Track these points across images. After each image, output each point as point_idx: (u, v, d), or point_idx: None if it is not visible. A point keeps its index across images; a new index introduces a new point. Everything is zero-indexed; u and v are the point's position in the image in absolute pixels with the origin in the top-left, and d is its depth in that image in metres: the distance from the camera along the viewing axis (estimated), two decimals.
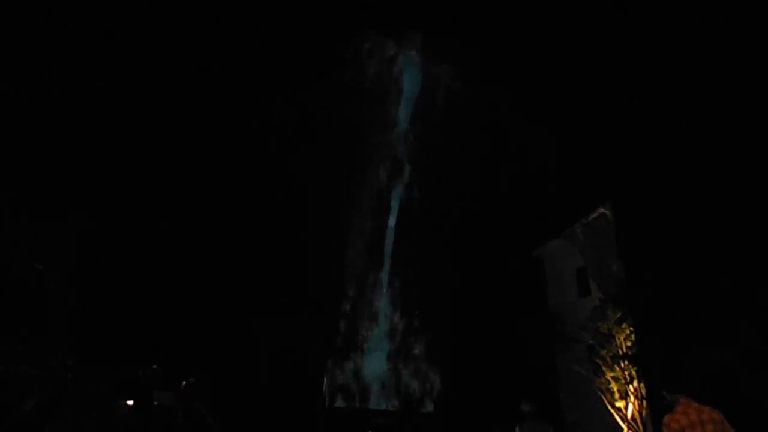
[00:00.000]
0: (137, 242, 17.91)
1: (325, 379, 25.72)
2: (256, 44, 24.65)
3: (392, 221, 33.53)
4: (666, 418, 4.41)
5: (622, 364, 13.57)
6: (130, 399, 5.81)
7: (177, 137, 19.98)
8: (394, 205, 33.66)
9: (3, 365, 4.85)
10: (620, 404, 13.76)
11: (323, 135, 26.77)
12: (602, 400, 14.15)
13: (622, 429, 13.82)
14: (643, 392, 13.33)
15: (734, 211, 11.90)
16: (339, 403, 27.07)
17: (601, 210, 16.58)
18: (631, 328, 13.57)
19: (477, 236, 29.68)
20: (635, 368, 13.39)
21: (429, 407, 27.51)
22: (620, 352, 13.64)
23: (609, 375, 13.79)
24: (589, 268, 17.39)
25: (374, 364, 29.75)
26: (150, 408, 5.90)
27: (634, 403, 13.51)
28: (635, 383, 13.47)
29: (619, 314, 13.76)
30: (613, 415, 13.96)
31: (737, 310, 11.41)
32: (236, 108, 22.86)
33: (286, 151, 24.60)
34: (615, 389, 13.77)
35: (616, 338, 13.74)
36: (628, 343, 13.64)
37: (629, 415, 13.55)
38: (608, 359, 13.78)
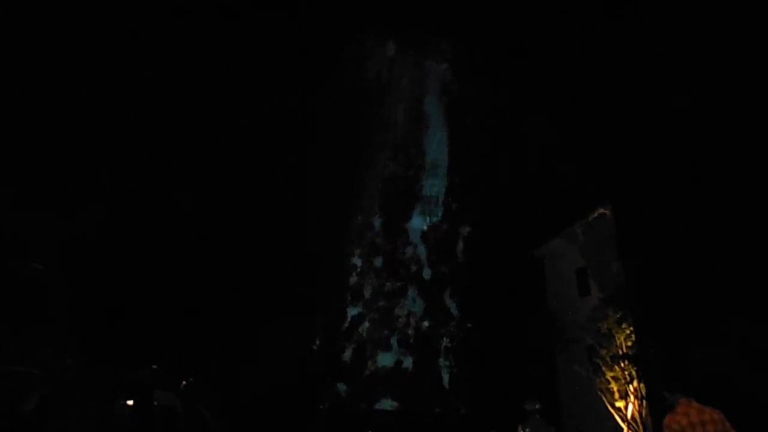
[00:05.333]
0: (138, 242, 17.91)
1: (325, 379, 25.72)
2: (255, 44, 24.65)
3: (393, 221, 33.53)
4: (667, 418, 4.42)
5: (622, 364, 13.58)
6: (130, 399, 5.79)
7: (177, 138, 19.97)
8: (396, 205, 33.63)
9: (3, 365, 4.84)
10: (620, 404, 13.77)
11: (324, 135, 26.77)
12: (602, 400, 14.16)
13: (622, 429, 13.82)
14: (643, 392, 13.34)
15: (734, 211, 11.90)
16: (340, 402, 27.05)
17: (601, 210, 16.59)
18: (631, 328, 13.58)
19: (477, 236, 29.70)
20: (635, 368, 13.39)
21: (430, 407, 27.49)
22: (620, 352, 13.65)
23: (609, 375, 13.80)
24: (589, 268, 17.41)
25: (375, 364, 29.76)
26: (150, 408, 5.88)
27: (634, 403, 13.51)
28: (635, 383, 13.48)
29: (619, 314, 13.77)
30: (613, 415, 13.96)
31: (737, 310, 11.40)
32: (235, 108, 22.86)
33: (287, 151, 24.60)
34: (615, 389, 13.78)
35: (616, 338, 13.75)
36: (628, 343, 13.65)
37: (629, 415, 13.56)
38: (608, 359, 13.79)
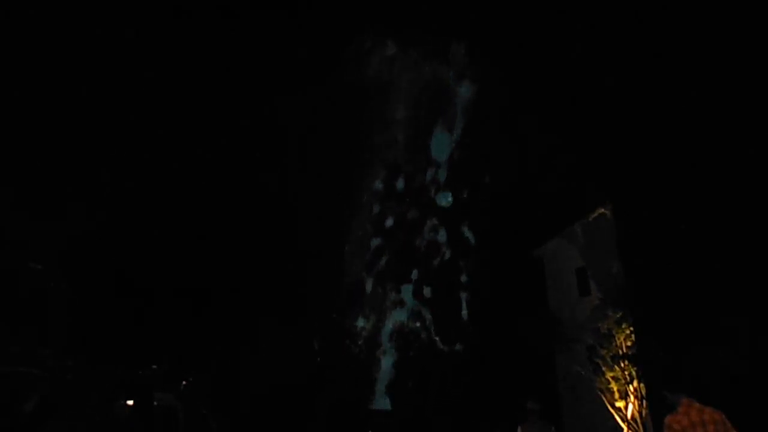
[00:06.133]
0: (137, 243, 17.90)
1: (325, 379, 25.71)
2: (255, 44, 24.65)
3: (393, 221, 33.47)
4: (668, 419, 4.41)
5: (622, 364, 13.58)
6: (130, 399, 5.79)
7: (176, 138, 19.98)
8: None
9: (3, 365, 4.83)
10: (620, 404, 13.77)
11: (323, 136, 26.78)
12: (602, 400, 14.15)
13: (622, 429, 13.82)
14: (643, 392, 13.34)
15: (734, 211, 11.90)
16: (340, 402, 27.05)
17: (601, 210, 16.58)
18: (631, 328, 13.58)
19: (477, 236, 29.71)
20: (635, 368, 13.39)
21: (430, 407, 27.48)
22: (620, 352, 13.65)
23: (609, 375, 13.80)
24: (589, 268, 17.40)
25: (375, 364, 29.76)
26: (150, 408, 5.87)
27: (634, 403, 13.51)
28: (635, 383, 13.47)
29: (619, 314, 13.77)
30: (613, 415, 13.96)
31: (737, 310, 11.40)
32: (235, 108, 22.87)
33: (287, 151, 24.61)
34: (615, 389, 13.78)
35: (616, 338, 13.75)
36: (628, 343, 13.65)
37: (629, 415, 13.55)
38: (608, 359, 13.78)
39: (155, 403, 5.87)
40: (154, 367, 6.47)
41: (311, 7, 27.83)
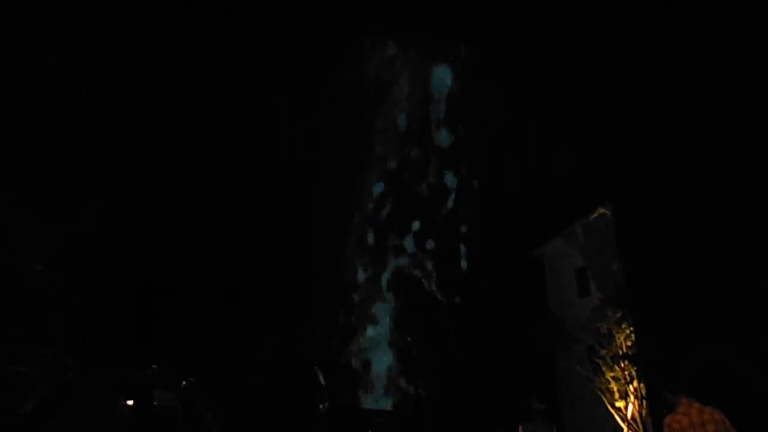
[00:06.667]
0: (137, 242, 17.91)
1: (325, 379, 25.69)
2: (256, 44, 24.66)
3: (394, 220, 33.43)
4: (667, 419, 4.41)
5: (622, 364, 13.57)
6: (130, 399, 5.78)
7: (178, 138, 19.99)
8: (396, 204, 33.47)
9: (3, 365, 4.84)
10: (620, 404, 13.76)
11: (324, 135, 26.79)
12: (602, 400, 14.15)
13: (622, 429, 13.82)
14: (643, 392, 13.34)
15: (734, 211, 11.90)
16: (339, 403, 27.04)
17: (601, 210, 16.59)
18: (631, 328, 13.58)
19: (477, 236, 29.71)
20: (635, 368, 13.39)
21: (430, 407, 27.46)
22: (620, 352, 13.64)
23: (609, 375, 13.79)
24: (589, 268, 17.40)
25: (375, 364, 29.75)
26: (150, 408, 5.87)
27: (634, 403, 13.51)
28: (635, 383, 13.47)
29: (619, 314, 13.76)
30: (613, 415, 13.96)
31: (737, 310, 11.41)
32: (235, 108, 22.88)
33: (287, 151, 24.62)
34: (615, 389, 13.77)
35: (616, 338, 13.74)
36: (628, 343, 13.64)
37: (629, 415, 13.55)
38: (608, 359, 13.78)
39: (155, 403, 5.86)
40: (154, 367, 6.46)
41: (311, 7, 27.86)
